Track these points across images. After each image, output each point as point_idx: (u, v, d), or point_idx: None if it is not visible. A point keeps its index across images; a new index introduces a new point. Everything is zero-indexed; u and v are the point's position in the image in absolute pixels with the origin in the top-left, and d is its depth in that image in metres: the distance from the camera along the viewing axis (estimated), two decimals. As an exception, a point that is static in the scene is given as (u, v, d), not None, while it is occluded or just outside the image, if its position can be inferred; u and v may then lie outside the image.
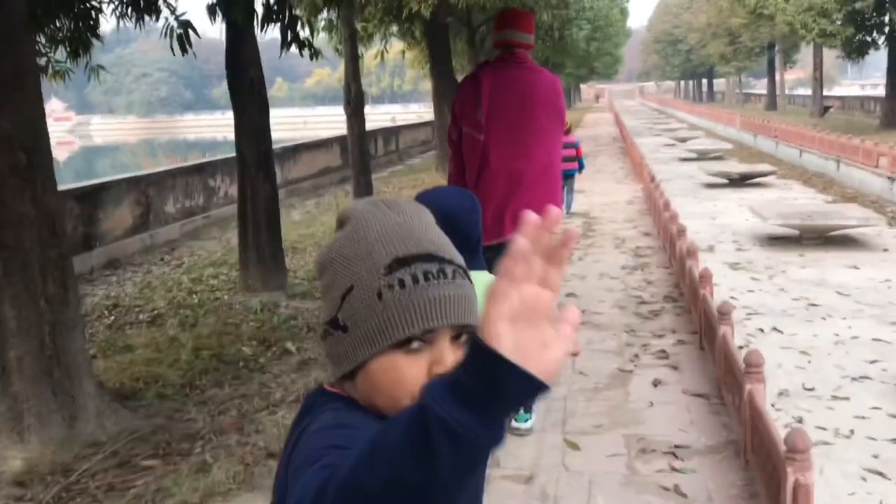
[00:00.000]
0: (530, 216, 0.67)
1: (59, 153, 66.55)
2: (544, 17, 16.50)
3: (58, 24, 6.72)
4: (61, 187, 9.04)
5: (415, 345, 0.92)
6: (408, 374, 0.92)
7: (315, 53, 6.91)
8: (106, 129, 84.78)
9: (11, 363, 4.08)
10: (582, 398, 4.51)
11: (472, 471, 0.71)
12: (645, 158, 14.92)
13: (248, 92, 7.02)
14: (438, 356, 0.93)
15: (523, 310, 0.69)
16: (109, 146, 70.84)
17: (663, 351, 5.23)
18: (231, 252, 7.51)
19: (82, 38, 6.80)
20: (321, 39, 12.72)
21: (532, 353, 0.68)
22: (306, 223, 11.42)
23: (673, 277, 7.04)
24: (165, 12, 6.89)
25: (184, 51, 5.92)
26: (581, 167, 11.14)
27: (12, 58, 3.96)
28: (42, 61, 6.84)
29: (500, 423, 0.70)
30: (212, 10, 6.26)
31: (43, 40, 6.74)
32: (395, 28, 14.69)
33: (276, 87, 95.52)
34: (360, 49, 14.65)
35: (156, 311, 6.80)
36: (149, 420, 4.46)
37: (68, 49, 6.83)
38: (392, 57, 22.79)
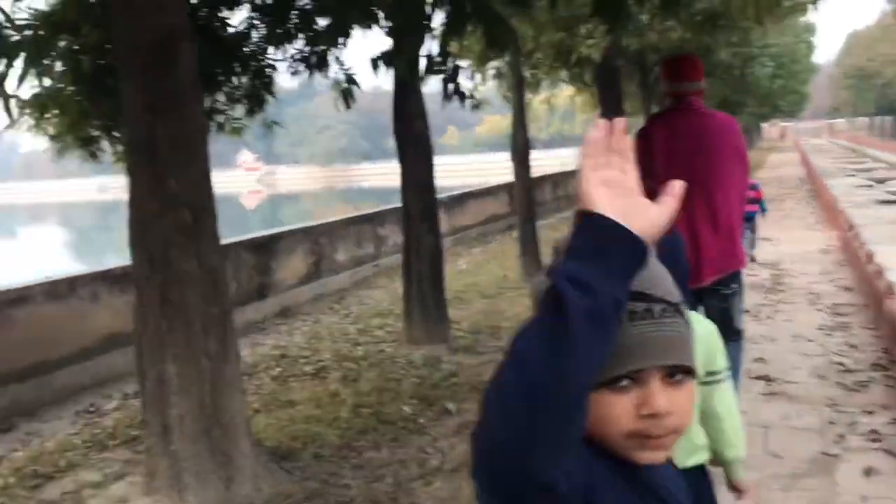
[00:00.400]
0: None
1: (249, 201, 71.49)
2: (723, 55, 15.68)
3: (235, 83, 6.98)
4: (238, 238, 9.45)
5: (623, 383, 0.94)
6: (614, 413, 0.94)
7: (477, 104, 6.75)
8: (290, 177, 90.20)
9: (173, 421, 4.07)
10: (777, 486, 3.91)
11: (601, 325, 0.80)
12: (839, 202, 13.64)
13: (413, 145, 6.96)
14: (647, 396, 0.94)
15: (614, 183, 0.85)
16: (293, 194, 75.13)
17: (875, 431, 4.48)
18: (398, 301, 7.47)
19: (258, 95, 7.02)
20: (489, 87, 12.70)
21: (630, 214, 0.83)
22: (472, 272, 11.26)
23: (881, 341, 6.17)
24: (335, 67, 7.05)
25: (347, 104, 5.93)
26: (763, 210, 10.59)
27: (180, 119, 4.02)
28: (221, 119, 7.12)
29: (617, 276, 0.82)
30: (374, 64, 6.26)
31: (222, 98, 7.02)
32: (563, 73, 14.44)
33: (447, 136, 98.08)
34: (529, 95, 14.53)
35: (321, 363, 6.78)
36: (304, 483, 4.32)
37: (245, 106, 7.08)
38: (561, 101, 22.55)
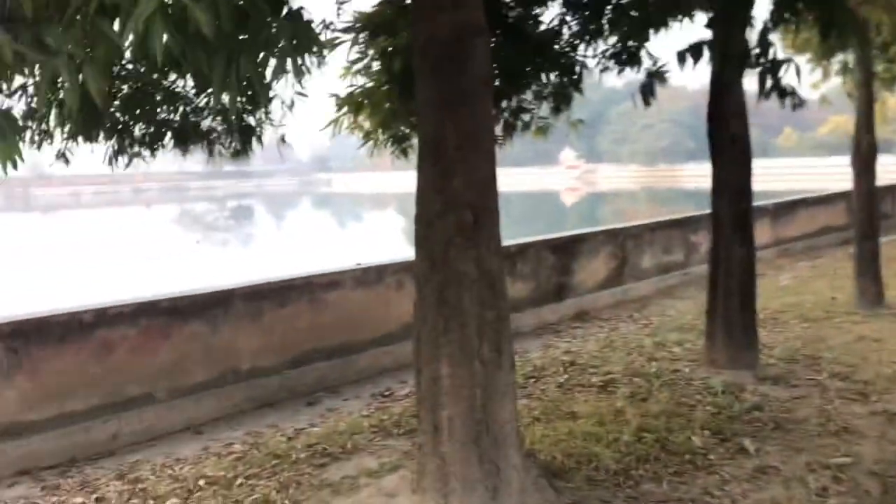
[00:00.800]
0: None
1: (567, 198, 72.51)
2: None
3: (543, 81, 6.86)
4: (539, 237, 9.38)
5: None
6: None
7: (800, 102, 5.90)
8: (610, 176, 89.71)
9: (443, 422, 4.02)
10: None
11: None
12: None
13: (728, 146, 6.30)
14: None
15: None
16: (611, 193, 74.63)
17: None
18: (702, 317, 6.87)
19: (565, 93, 6.83)
20: (834, 84, 11.26)
21: None
22: (794, 290, 10.09)
23: None
24: (647, 62, 6.62)
25: (646, 101, 5.50)
26: None
27: (470, 117, 3.92)
28: (527, 117, 7.05)
29: None
30: (681, 58, 5.73)
31: (529, 96, 6.94)
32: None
33: (782, 137, 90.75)
34: (884, 93, 12.68)
35: (610, 376, 6.42)
36: (571, 507, 4.04)
37: (551, 105, 6.93)
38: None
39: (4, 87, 4.38)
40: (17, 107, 4.58)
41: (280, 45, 2.26)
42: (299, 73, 2.40)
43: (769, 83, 5.76)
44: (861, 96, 8.66)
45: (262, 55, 2.30)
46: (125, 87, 4.88)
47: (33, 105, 4.61)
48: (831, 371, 6.26)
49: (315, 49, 2.59)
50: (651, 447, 4.74)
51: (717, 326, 6.50)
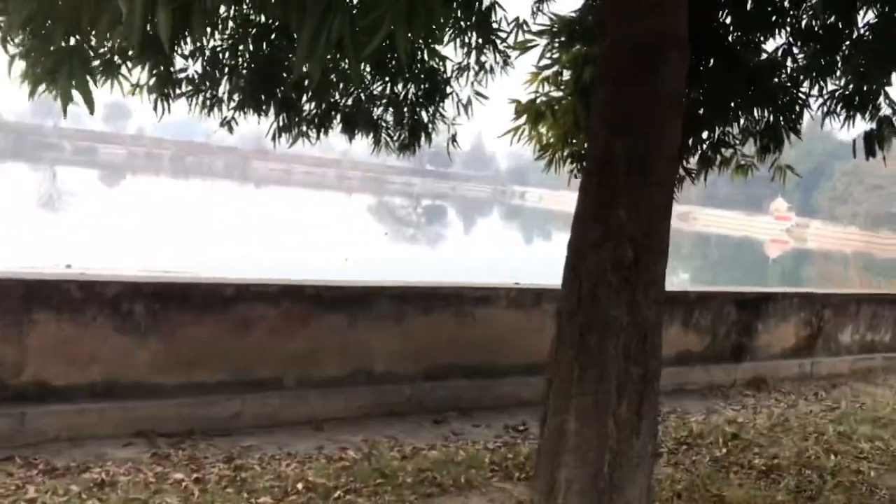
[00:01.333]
0: None
1: (770, 250, 68.18)
2: None
3: (755, 116, 6.09)
4: (726, 288, 8.48)
5: None
6: None
7: None
8: (822, 234, 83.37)
9: (560, 483, 3.49)
10: None
11: None
12: None
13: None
14: None
15: None
16: (821, 252, 69.44)
17: None
18: (903, 413, 5.85)
19: (777, 133, 6.02)
20: None
21: None
22: None
23: None
24: (885, 108, 5.67)
25: (870, 152, 4.64)
26: None
27: (647, 140, 3.36)
28: (727, 153, 6.30)
29: None
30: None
31: (735, 130, 6.19)
32: None
33: None
34: None
35: (776, 461, 5.55)
36: None
37: (758, 143, 6.13)
38: None
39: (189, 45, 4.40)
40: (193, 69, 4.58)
41: (383, 8, 1.85)
42: (405, 47, 1.95)
43: None
44: None
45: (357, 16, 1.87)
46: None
47: (208, 68, 4.59)
48: None
49: (434, 25, 2.14)
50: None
51: (920, 431, 5.45)
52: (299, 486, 4.25)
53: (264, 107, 4.80)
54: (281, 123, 4.89)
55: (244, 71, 4.62)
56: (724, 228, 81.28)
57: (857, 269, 54.40)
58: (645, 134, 3.35)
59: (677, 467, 5.29)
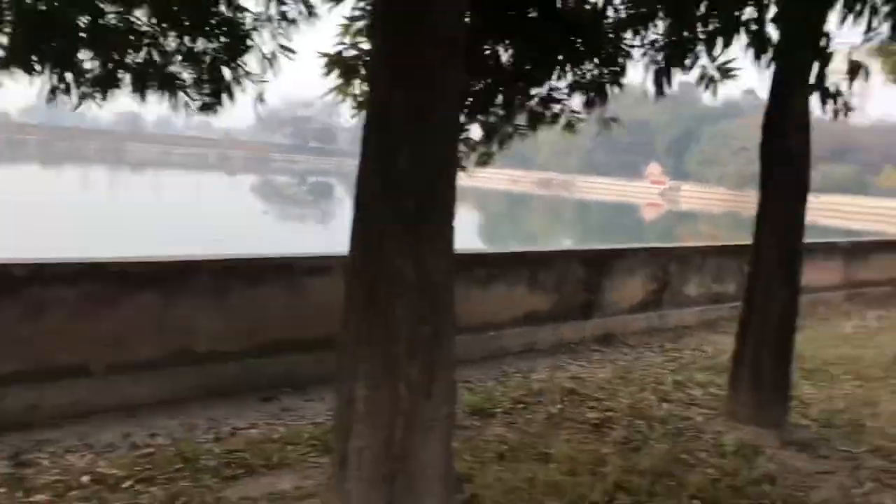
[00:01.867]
0: None
1: (646, 213, 70.67)
2: None
3: (580, 70, 6.03)
4: (571, 247, 8.52)
5: None
6: None
7: (844, 110, 4.92)
8: (694, 196, 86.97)
9: (352, 454, 3.28)
10: None
11: None
12: None
13: (782, 167, 5.35)
14: None
15: None
16: (693, 213, 72.41)
17: None
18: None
19: (601, 86, 5.98)
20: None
21: None
22: (856, 341, 8.94)
23: None
24: (706, 60, 5.69)
25: (659, 91, 4.63)
26: None
27: (426, 86, 3.14)
28: (557, 108, 6.22)
29: None
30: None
31: (562, 85, 6.11)
32: None
33: (883, 176, 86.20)
34: None
35: (609, 413, 5.56)
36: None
37: (586, 96, 6.08)
38: None
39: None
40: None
41: None
42: None
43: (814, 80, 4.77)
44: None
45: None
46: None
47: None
48: (872, 444, 5.24)
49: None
50: (622, 513, 3.90)
51: (742, 375, 5.56)
52: (85, 479, 3.88)
53: (36, 65, 4.32)
54: (56, 83, 4.41)
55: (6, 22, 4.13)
56: (603, 194, 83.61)
57: (726, 227, 57.05)
58: (423, 80, 3.13)
59: (510, 427, 5.20)
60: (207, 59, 4.82)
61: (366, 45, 5.06)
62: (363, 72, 5.14)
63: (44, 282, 4.94)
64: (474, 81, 5.72)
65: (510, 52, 5.89)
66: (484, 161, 6.22)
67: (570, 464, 4.44)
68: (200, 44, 4.81)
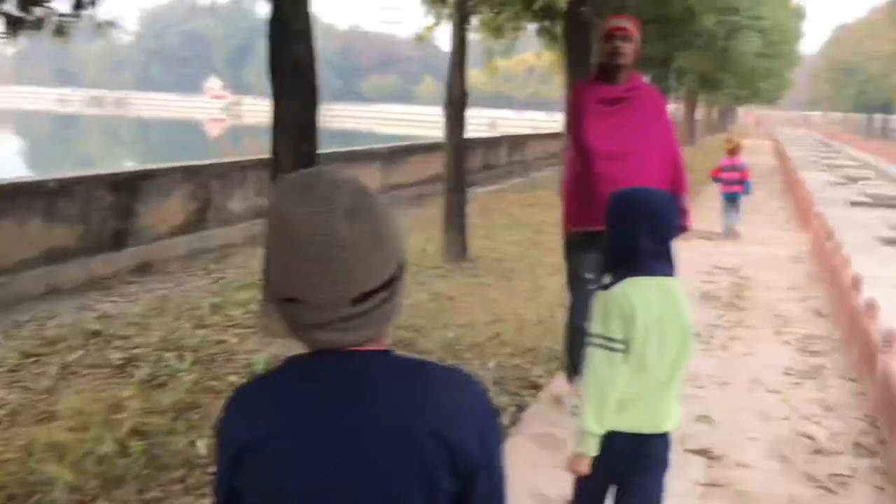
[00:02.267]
0: None
1: (211, 129, 69.01)
2: (706, 22, 14.03)
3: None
4: (96, 171, 7.71)
5: None
6: None
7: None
8: (257, 110, 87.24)
9: None
10: None
11: None
12: (814, 202, 12.24)
13: (289, 75, 5.28)
14: None
15: None
16: (257, 127, 72.67)
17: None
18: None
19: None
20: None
21: None
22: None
23: (865, 402, 4.71)
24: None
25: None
26: (748, 191, 11.24)
27: None
28: (41, 11, 5.35)
29: None
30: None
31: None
32: (530, 25, 12.73)
33: (423, 85, 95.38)
34: (493, 45, 12.87)
35: (136, 350, 5.14)
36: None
37: None
38: (542, 63, 20.74)
39: None
40: None
41: None
42: None
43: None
44: (454, 39, 8.22)
45: None
46: None
47: None
48: (395, 337, 5.63)
49: None
50: (135, 461, 3.57)
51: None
52: None
53: None
54: None
55: None
56: (164, 112, 79.45)
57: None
58: None
59: (14, 387, 4.50)
60: None
61: None
62: None
63: None
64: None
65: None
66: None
67: (81, 418, 3.96)
68: None
